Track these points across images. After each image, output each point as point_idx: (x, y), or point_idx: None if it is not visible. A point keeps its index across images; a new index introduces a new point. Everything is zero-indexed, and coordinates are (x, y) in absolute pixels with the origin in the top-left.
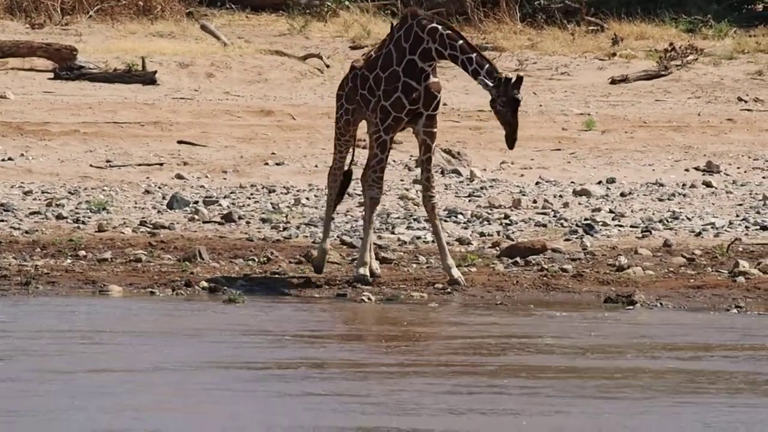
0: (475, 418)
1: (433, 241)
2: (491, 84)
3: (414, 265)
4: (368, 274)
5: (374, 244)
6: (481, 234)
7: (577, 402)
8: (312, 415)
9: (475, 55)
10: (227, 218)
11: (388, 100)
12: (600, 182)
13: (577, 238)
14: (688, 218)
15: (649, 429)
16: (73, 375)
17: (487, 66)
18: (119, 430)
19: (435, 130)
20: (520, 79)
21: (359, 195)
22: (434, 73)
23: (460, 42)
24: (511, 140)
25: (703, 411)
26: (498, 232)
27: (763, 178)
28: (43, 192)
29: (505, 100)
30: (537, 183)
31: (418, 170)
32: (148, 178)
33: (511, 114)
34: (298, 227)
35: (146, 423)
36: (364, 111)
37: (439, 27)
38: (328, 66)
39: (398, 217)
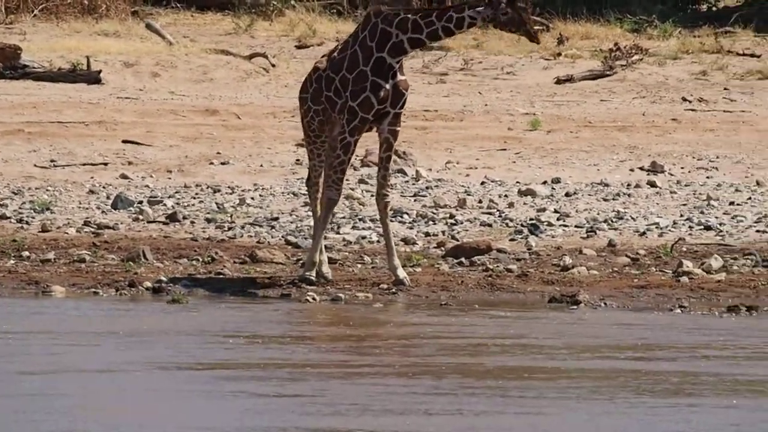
0: (415, 418)
1: (378, 241)
2: (483, 8)
3: (359, 266)
4: (314, 275)
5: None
6: (426, 234)
7: (510, 402)
8: (254, 416)
9: (451, 10)
10: (172, 218)
11: (355, 100)
12: (545, 182)
13: (522, 238)
14: (632, 218)
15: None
16: (15, 376)
17: (461, 7)
18: (64, 431)
19: (398, 128)
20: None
21: (304, 194)
22: (401, 70)
23: (434, 14)
24: (532, 35)
25: (641, 412)
26: (443, 232)
27: (707, 178)
28: None
29: (504, 8)
30: (482, 183)
31: (364, 170)
32: (92, 177)
33: (518, 16)
34: (242, 227)
35: (90, 424)
36: (329, 112)
37: (409, 15)
38: (273, 65)
39: (343, 217)
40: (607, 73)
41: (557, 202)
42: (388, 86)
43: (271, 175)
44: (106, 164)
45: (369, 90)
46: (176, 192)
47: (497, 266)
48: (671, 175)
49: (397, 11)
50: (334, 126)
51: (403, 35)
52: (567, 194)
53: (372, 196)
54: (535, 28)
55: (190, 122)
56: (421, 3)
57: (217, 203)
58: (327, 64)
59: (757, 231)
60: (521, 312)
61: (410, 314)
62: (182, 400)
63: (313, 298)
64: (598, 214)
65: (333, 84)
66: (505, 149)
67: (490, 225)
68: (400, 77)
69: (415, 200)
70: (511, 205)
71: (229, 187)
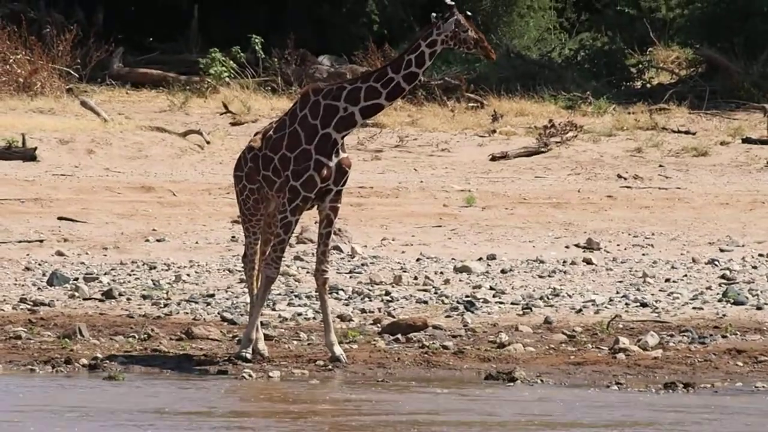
0: None
1: (314, 318)
2: (437, 30)
3: (295, 342)
4: (250, 353)
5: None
6: (363, 310)
7: None
8: None
9: (405, 54)
10: (108, 295)
11: (298, 179)
12: (481, 259)
13: (458, 314)
14: (568, 295)
15: None
16: None
17: (415, 45)
18: None
19: (339, 204)
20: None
21: (240, 271)
22: (343, 148)
23: (388, 69)
24: (489, 51)
25: None
26: (379, 309)
27: (643, 255)
28: None
29: (452, 32)
30: (418, 259)
31: (299, 246)
32: (28, 254)
33: (473, 36)
34: (179, 303)
35: None
36: (266, 191)
37: (359, 84)
38: (208, 142)
39: (279, 294)
40: (542, 149)
41: (493, 278)
42: (331, 164)
43: (207, 251)
44: (41, 241)
45: (312, 169)
46: (112, 269)
47: (433, 343)
48: (607, 252)
49: (340, 84)
50: (269, 203)
51: (354, 107)
52: (503, 271)
53: (308, 272)
54: (470, 105)
55: (126, 199)
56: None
57: (153, 280)
58: (263, 144)
59: (693, 308)
60: (457, 389)
61: (347, 391)
62: None
63: (250, 375)
64: (534, 290)
65: (271, 163)
66: (440, 226)
67: (426, 302)
68: (342, 155)
69: (350, 277)
70: (446, 281)
71: (165, 263)
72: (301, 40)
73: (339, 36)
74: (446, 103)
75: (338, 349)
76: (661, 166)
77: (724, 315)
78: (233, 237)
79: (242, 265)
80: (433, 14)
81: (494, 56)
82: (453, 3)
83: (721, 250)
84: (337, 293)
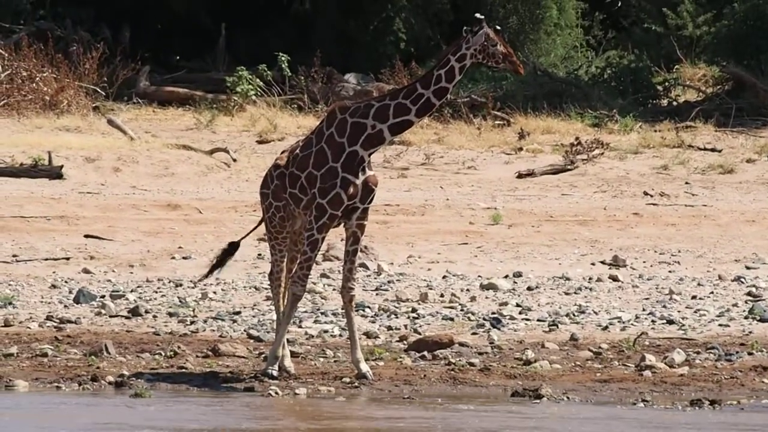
0: None
1: (340, 335)
2: (467, 44)
3: (321, 359)
4: (276, 370)
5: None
6: (389, 328)
7: None
8: None
9: (434, 70)
10: (134, 312)
11: (324, 197)
12: (507, 276)
13: (484, 332)
14: (594, 312)
15: None
16: None
17: (445, 60)
18: None
19: (366, 222)
20: (477, 21)
21: (266, 288)
22: (370, 165)
23: (417, 85)
24: (517, 65)
25: None
26: (405, 326)
27: (669, 272)
28: None
29: (481, 46)
30: (444, 277)
31: (326, 264)
32: (54, 272)
33: (501, 50)
34: (205, 321)
35: None
36: (293, 208)
37: (387, 101)
38: (235, 160)
39: (305, 311)
40: (569, 167)
41: (519, 296)
42: (358, 182)
43: (233, 269)
44: (68, 259)
45: (339, 186)
46: (138, 286)
47: (459, 360)
48: (633, 269)
49: (368, 102)
50: (296, 220)
51: (382, 124)
52: (529, 288)
53: (334, 290)
54: (496, 122)
55: (152, 217)
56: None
57: (179, 297)
58: (290, 162)
59: (720, 325)
60: (484, 406)
61: (373, 408)
62: None
63: (276, 392)
64: (560, 308)
65: (298, 181)
66: (466, 243)
67: (452, 319)
68: (369, 172)
69: (377, 294)
70: (473, 299)
71: (191, 281)
72: (328, 57)
73: (365, 54)
74: (473, 121)
75: (365, 366)
76: (687, 183)
77: (750, 332)
78: (259, 255)
79: (268, 282)
80: (465, 28)
81: (522, 71)
82: (482, 17)
83: (747, 268)
84: (363, 310)
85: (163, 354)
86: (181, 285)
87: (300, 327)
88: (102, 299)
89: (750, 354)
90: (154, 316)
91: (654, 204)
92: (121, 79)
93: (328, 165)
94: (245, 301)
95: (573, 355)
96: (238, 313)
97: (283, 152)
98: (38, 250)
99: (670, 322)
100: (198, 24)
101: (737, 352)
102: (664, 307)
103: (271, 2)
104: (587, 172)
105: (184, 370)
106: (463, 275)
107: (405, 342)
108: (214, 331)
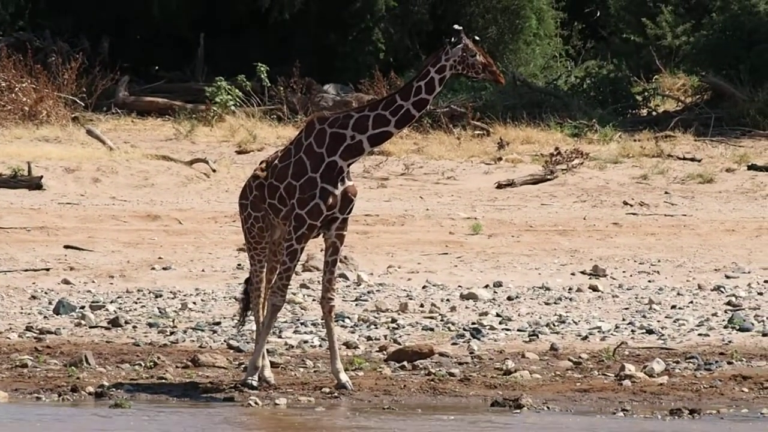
0: None
1: (320, 346)
2: (446, 55)
3: (301, 369)
4: (256, 381)
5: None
6: (368, 338)
7: None
8: None
9: (414, 81)
10: (114, 323)
11: (303, 208)
12: (487, 286)
13: (464, 342)
14: (574, 322)
15: None
16: None
17: (425, 72)
18: None
19: (345, 232)
20: (455, 32)
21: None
22: (349, 176)
23: (397, 96)
24: (497, 75)
25: None
26: (385, 336)
27: (649, 281)
28: None
29: (460, 57)
30: (424, 287)
31: (305, 274)
32: (34, 283)
33: (481, 60)
34: (185, 331)
35: None
36: (272, 219)
37: (366, 112)
38: (214, 170)
39: (285, 321)
40: (548, 177)
41: (499, 305)
42: (337, 192)
43: (213, 279)
44: (48, 270)
45: (318, 197)
46: (118, 297)
47: (439, 370)
48: (613, 279)
49: (347, 113)
50: (275, 231)
51: (361, 135)
52: (509, 298)
53: (314, 300)
54: (476, 132)
55: (132, 228)
56: None
57: (159, 308)
58: (269, 173)
59: (699, 334)
60: (464, 415)
61: (353, 418)
62: None
63: (256, 403)
64: (540, 317)
65: (277, 192)
66: (446, 253)
67: (432, 329)
68: (348, 183)
69: (356, 304)
70: (453, 309)
71: (171, 291)
72: (307, 68)
73: (345, 64)
74: (452, 131)
75: (344, 377)
76: (666, 193)
77: (729, 341)
78: (239, 265)
79: (243, 288)
80: (445, 39)
81: (503, 80)
82: (461, 28)
83: (727, 277)
84: (343, 321)
85: (143, 364)
86: (161, 296)
87: (280, 337)
88: (82, 310)
89: (729, 363)
90: (134, 327)
91: (634, 214)
92: (100, 90)
93: (307, 175)
94: (225, 311)
95: (553, 365)
96: (218, 323)
97: (262, 162)
98: (18, 260)
99: (650, 331)
100: (177, 34)
101: (717, 362)
102: (644, 316)
103: (251, 13)
104: (567, 182)
105: (163, 380)
106: (443, 285)
107: (385, 352)
108: (194, 341)
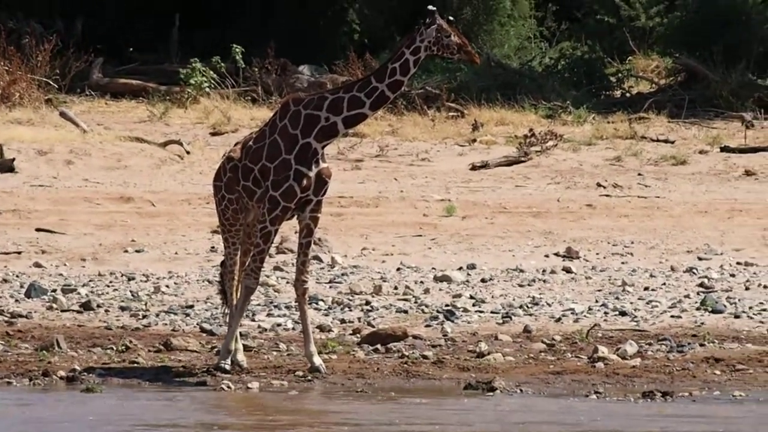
0: None
1: (293, 329)
2: (420, 36)
3: (274, 353)
4: (229, 364)
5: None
6: (342, 321)
7: None
8: None
9: (389, 63)
10: (86, 306)
11: (277, 190)
12: (461, 268)
13: (437, 324)
14: (548, 304)
15: None
16: None
17: (399, 53)
18: None
19: (319, 214)
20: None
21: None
22: (323, 158)
23: (372, 78)
24: (473, 55)
25: None
26: (359, 319)
27: (622, 263)
28: None
29: (435, 38)
30: (398, 269)
31: (279, 257)
32: (5, 266)
33: (456, 40)
34: (157, 315)
35: None
36: (246, 201)
37: (341, 94)
38: (188, 152)
39: (258, 304)
40: (522, 159)
41: (473, 288)
42: (311, 174)
43: (186, 262)
44: (19, 253)
45: (292, 179)
46: (90, 280)
47: (413, 353)
48: (586, 260)
49: (321, 94)
50: (249, 213)
51: (336, 116)
52: (483, 280)
53: (287, 283)
54: (450, 114)
55: (105, 210)
56: None
57: (131, 291)
58: (243, 154)
59: (672, 316)
60: (437, 399)
61: (326, 402)
62: None
63: (228, 386)
64: (513, 300)
65: (251, 174)
66: (420, 235)
67: (405, 311)
68: (322, 165)
69: (330, 287)
70: (426, 291)
71: (143, 274)
72: (282, 49)
73: (319, 45)
74: (426, 113)
75: (317, 360)
76: (640, 174)
77: (702, 323)
78: (212, 248)
79: (224, 278)
80: (419, 20)
81: (479, 60)
82: (434, 9)
83: (700, 259)
84: (316, 303)
85: (115, 348)
86: (133, 279)
87: (253, 320)
88: (53, 293)
89: (702, 345)
90: (106, 311)
91: (607, 195)
92: (73, 72)
93: (281, 157)
94: (198, 294)
95: (526, 347)
96: (191, 306)
97: (236, 144)
98: None
99: (623, 313)
100: (152, 16)
101: (689, 344)
102: (617, 298)
103: None
104: (541, 164)
105: (135, 364)
106: (417, 267)
107: (358, 335)
108: (166, 325)
